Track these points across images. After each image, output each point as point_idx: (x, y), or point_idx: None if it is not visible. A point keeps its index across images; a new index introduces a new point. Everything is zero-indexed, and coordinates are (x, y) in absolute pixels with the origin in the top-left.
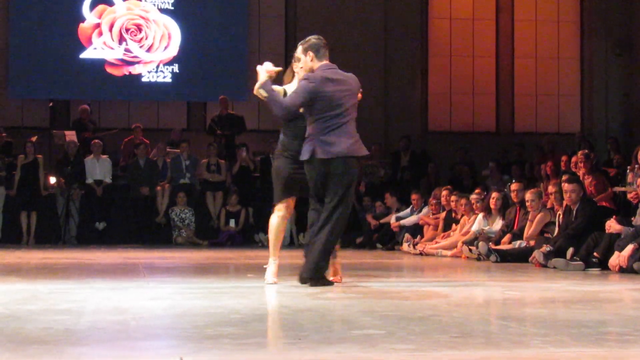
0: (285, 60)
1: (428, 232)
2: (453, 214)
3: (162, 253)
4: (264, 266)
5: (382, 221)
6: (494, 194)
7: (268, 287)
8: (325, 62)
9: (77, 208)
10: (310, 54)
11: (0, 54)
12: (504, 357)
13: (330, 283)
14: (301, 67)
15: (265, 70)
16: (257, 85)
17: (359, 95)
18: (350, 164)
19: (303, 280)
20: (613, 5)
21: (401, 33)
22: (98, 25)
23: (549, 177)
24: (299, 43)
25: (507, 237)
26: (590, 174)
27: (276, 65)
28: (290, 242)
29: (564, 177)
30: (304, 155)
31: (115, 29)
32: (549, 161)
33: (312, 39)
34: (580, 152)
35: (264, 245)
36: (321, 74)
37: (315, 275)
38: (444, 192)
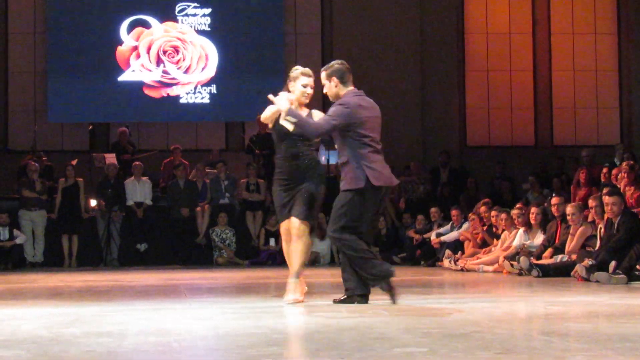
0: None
1: (469, 247)
2: (494, 229)
3: (203, 273)
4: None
5: (425, 236)
6: (533, 209)
7: (308, 306)
8: (352, 88)
9: (118, 230)
10: (335, 79)
11: (39, 79)
12: None
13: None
14: (325, 92)
15: (286, 99)
16: (282, 114)
17: None
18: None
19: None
20: None
21: (437, 49)
22: (136, 48)
23: (580, 185)
24: (322, 69)
25: (549, 251)
26: (632, 185)
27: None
28: (331, 260)
29: (605, 190)
30: (359, 183)
31: (153, 51)
32: (582, 170)
33: (336, 64)
34: (624, 163)
35: (306, 265)
36: (354, 100)
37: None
38: (483, 208)
